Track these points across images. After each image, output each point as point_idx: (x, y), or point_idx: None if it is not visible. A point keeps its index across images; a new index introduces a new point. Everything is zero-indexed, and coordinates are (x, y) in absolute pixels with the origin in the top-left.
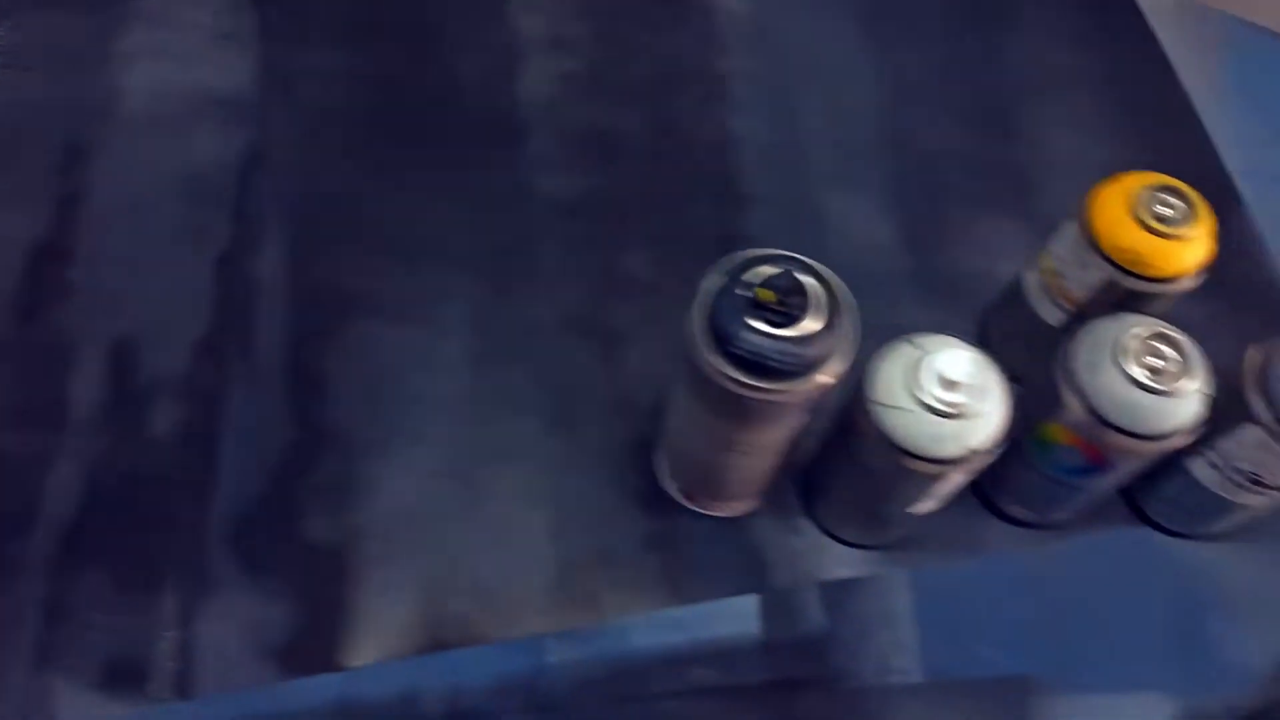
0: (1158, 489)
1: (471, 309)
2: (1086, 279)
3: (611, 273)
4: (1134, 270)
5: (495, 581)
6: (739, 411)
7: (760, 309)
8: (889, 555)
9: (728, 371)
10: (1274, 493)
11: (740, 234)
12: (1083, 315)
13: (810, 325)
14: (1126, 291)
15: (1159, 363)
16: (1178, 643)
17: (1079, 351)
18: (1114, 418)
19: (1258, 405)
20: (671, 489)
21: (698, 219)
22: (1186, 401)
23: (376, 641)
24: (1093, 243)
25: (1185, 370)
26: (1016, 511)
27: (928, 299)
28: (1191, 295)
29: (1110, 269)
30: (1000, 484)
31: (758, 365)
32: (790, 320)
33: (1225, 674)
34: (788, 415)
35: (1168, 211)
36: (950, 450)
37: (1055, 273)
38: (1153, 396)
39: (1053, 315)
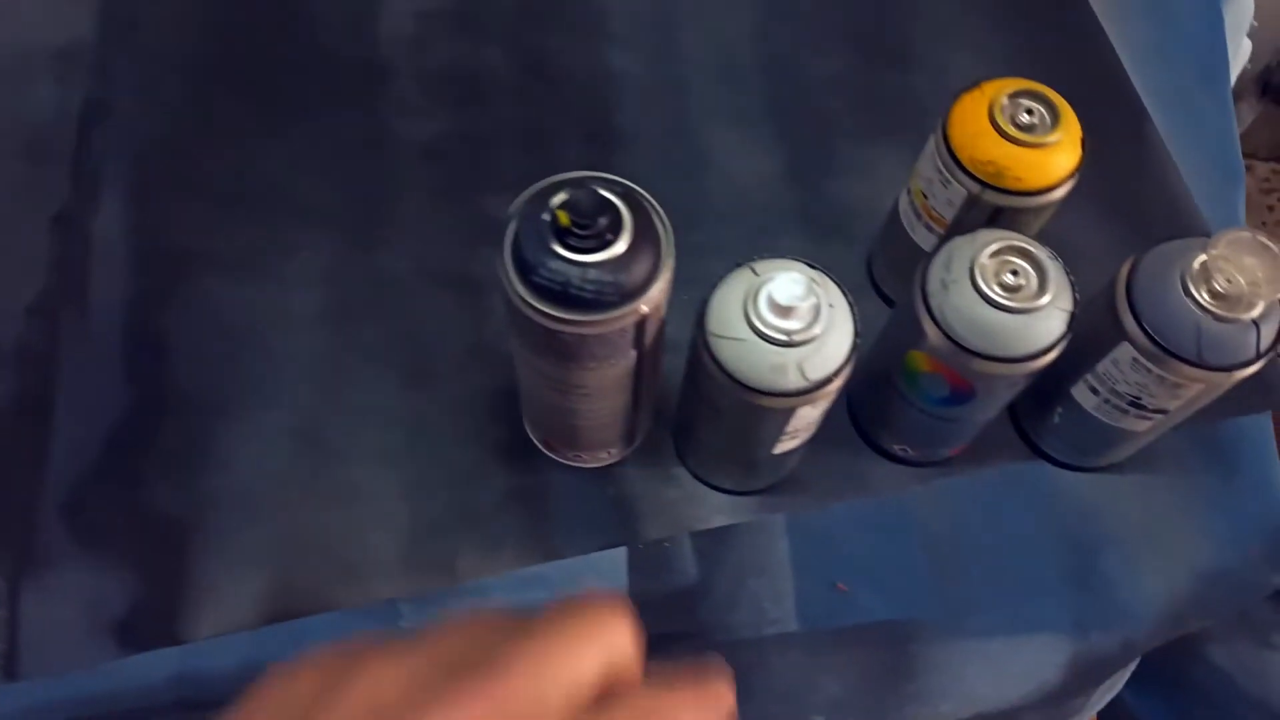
0: (1045, 419)
1: (326, 262)
2: (950, 196)
3: (477, 219)
4: (995, 184)
5: (347, 547)
6: (558, 348)
7: (563, 234)
8: (766, 501)
9: (534, 304)
10: (1157, 416)
11: (617, 173)
12: (953, 236)
13: (619, 249)
14: (993, 208)
15: (1015, 280)
16: (1071, 581)
17: (933, 273)
18: (969, 340)
19: (1127, 320)
20: (535, 439)
21: (571, 160)
22: (1046, 320)
23: (220, 613)
24: (953, 157)
25: (1043, 286)
26: (898, 449)
27: (817, 233)
28: (1095, 214)
29: (971, 184)
30: (879, 421)
31: (563, 295)
32: (596, 245)
33: (1121, 612)
34: (611, 350)
35: (1029, 119)
36: (791, 382)
37: (922, 193)
38: (1009, 316)
39: (926, 240)
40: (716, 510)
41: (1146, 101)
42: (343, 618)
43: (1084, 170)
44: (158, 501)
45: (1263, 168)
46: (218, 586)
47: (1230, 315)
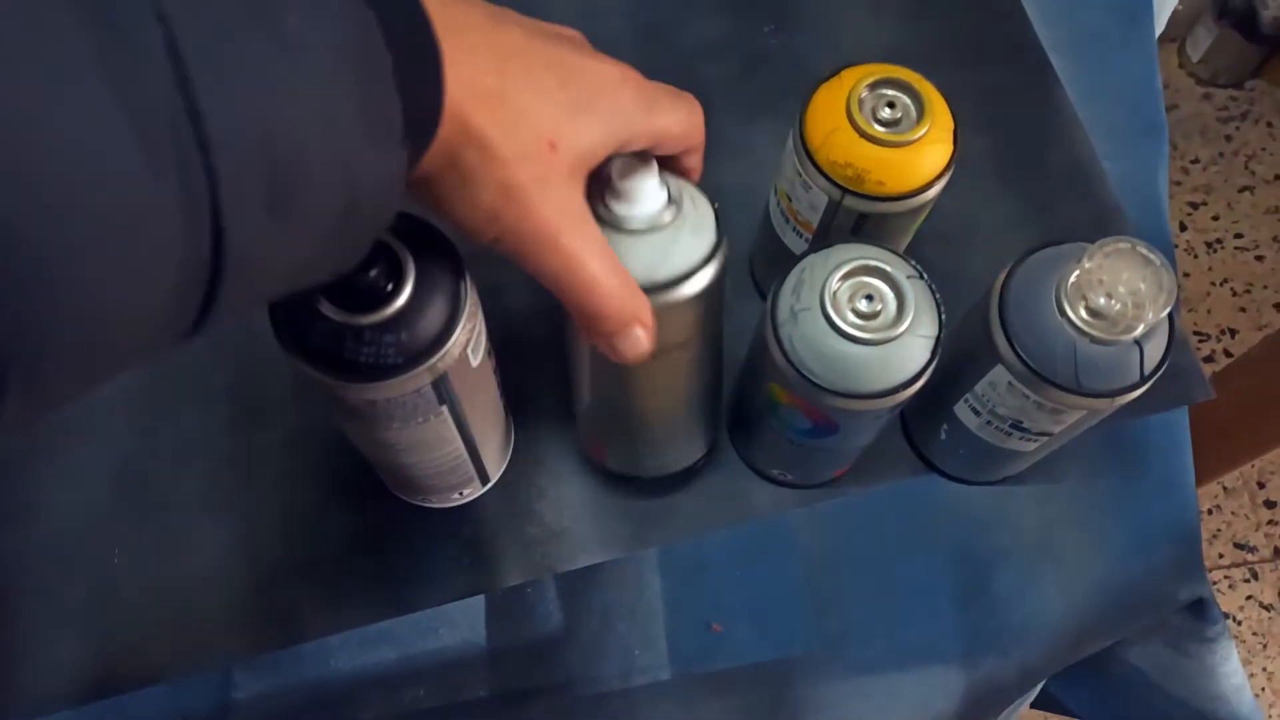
0: (932, 434)
1: None
2: (812, 200)
3: None
4: (855, 189)
5: (172, 606)
6: (349, 411)
7: (329, 288)
8: (636, 534)
9: (306, 368)
10: (1041, 438)
11: None
12: (820, 242)
13: (398, 302)
14: (857, 214)
15: (870, 306)
16: (961, 603)
17: (783, 300)
18: (821, 376)
19: (1000, 342)
20: (383, 479)
21: None
22: (906, 349)
23: (35, 687)
24: (810, 158)
25: (901, 312)
26: (776, 473)
27: None
28: (997, 188)
29: (831, 188)
30: (754, 446)
31: (337, 360)
32: (370, 300)
33: (1015, 635)
34: (413, 411)
35: (891, 113)
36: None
37: (787, 195)
38: (862, 349)
39: (796, 244)
40: (582, 549)
41: (1052, 54)
42: (173, 691)
43: (980, 138)
44: None
45: (1220, 95)
46: (29, 656)
47: (1109, 337)
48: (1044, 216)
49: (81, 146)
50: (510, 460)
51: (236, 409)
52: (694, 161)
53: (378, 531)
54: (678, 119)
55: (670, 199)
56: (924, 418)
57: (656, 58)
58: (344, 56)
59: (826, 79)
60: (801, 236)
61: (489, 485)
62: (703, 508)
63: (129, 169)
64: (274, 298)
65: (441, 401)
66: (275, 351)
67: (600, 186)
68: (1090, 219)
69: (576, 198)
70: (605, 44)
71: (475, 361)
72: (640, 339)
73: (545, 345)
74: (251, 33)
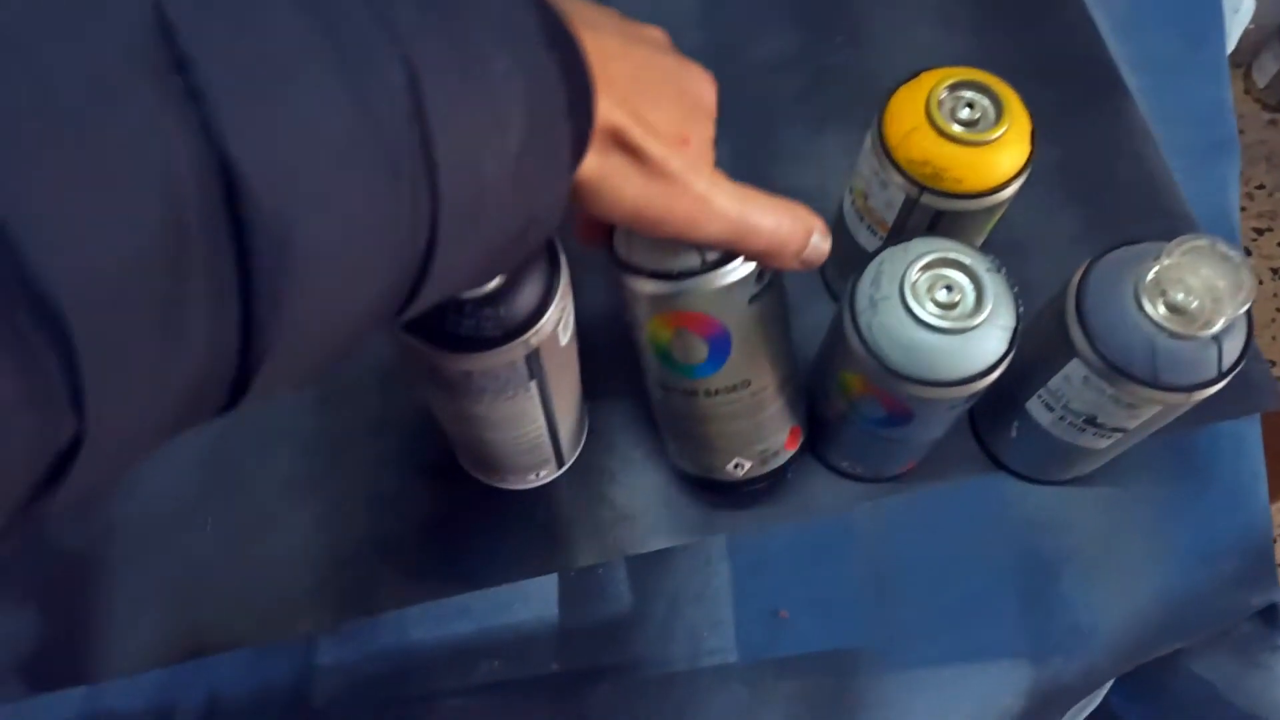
0: (1002, 431)
1: None
2: (889, 199)
3: None
4: (933, 186)
5: (258, 580)
6: (441, 382)
7: None
8: (706, 522)
9: (406, 338)
10: (1116, 435)
11: None
12: (895, 240)
13: (496, 280)
14: (934, 211)
15: (949, 296)
16: (1028, 603)
17: (862, 289)
18: (899, 364)
19: (1077, 336)
20: (462, 462)
21: None
22: (984, 340)
23: (128, 652)
24: (888, 157)
25: (980, 302)
26: (847, 466)
27: None
28: (1064, 200)
29: (909, 186)
30: (824, 437)
31: (438, 332)
32: None
33: (1082, 636)
34: (504, 385)
35: (970, 113)
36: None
37: (863, 194)
38: (941, 337)
39: (870, 242)
40: (652, 533)
41: (1124, 71)
42: (256, 655)
43: (1051, 149)
44: (57, 534)
45: None
46: (124, 623)
47: (1188, 332)
48: (1113, 229)
49: (344, 157)
50: (584, 445)
51: (323, 393)
52: None
53: (455, 511)
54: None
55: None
56: (995, 415)
57: (730, 71)
58: (533, 95)
59: (905, 81)
60: (876, 235)
61: (563, 469)
62: (772, 500)
63: (378, 183)
64: (442, 300)
65: (531, 377)
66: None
67: None
68: (1161, 233)
69: (722, 175)
70: None
71: (564, 340)
72: (819, 245)
73: (619, 340)
74: (471, 75)
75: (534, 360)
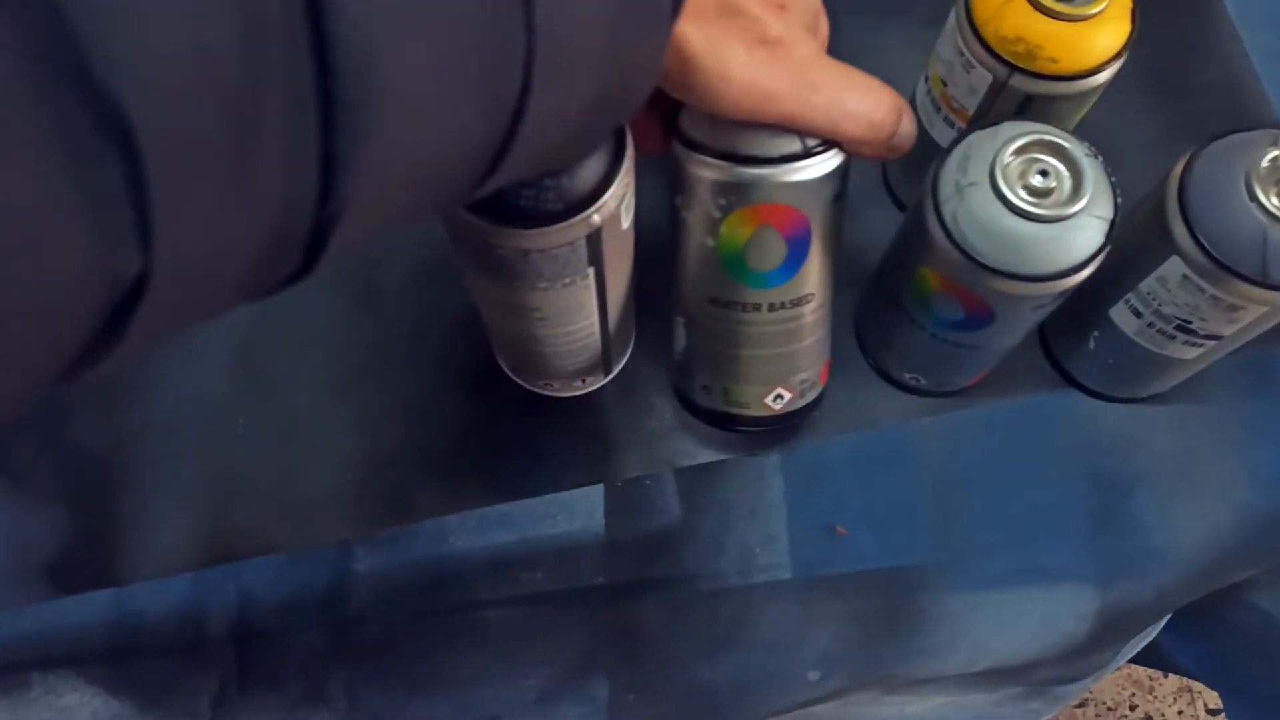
0: (1078, 343)
1: None
2: (973, 82)
3: None
4: (1026, 66)
5: (291, 483)
6: (499, 265)
7: None
8: (758, 435)
9: (464, 214)
10: (1209, 343)
11: None
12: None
13: None
14: (1023, 95)
15: (1044, 182)
16: (1097, 524)
17: (947, 174)
18: (987, 254)
19: (1178, 230)
20: (504, 365)
21: None
22: (1080, 230)
23: (156, 554)
24: (975, 34)
25: (1078, 190)
26: (908, 378)
27: None
28: (1141, 101)
29: (997, 66)
30: (886, 345)
31: (497, 204)
32: None
33: (1153, 558)
34: (562, 269)
35: None
36: None
37: (941, 80)
38: (1035, 225)
39: (946, 135)
40: (702, 445)
41: None
42: (290, 560)
43: (1132, 48)
44: (83, 434)
45: None
46: (152, 525)
47: None
48: (1196, 133)
49: None
50: (630, 355)
51: (355, 294)
52: None
53: (496, 418)
54: None
55: None
56: (1070, 324)
57: None
58: None
59: None
60: (953, 126)
61: (610, 376)
62: (829, 413)
63: (471, 9)
64: (524, 177)
65: (590, 262)
66: (393, 235)
67: None
68: None
69: (817, 45)
70: None
71: (625, 223)
72: (908, 130)
73: (662, 250)
74: None
75: (595, 242)
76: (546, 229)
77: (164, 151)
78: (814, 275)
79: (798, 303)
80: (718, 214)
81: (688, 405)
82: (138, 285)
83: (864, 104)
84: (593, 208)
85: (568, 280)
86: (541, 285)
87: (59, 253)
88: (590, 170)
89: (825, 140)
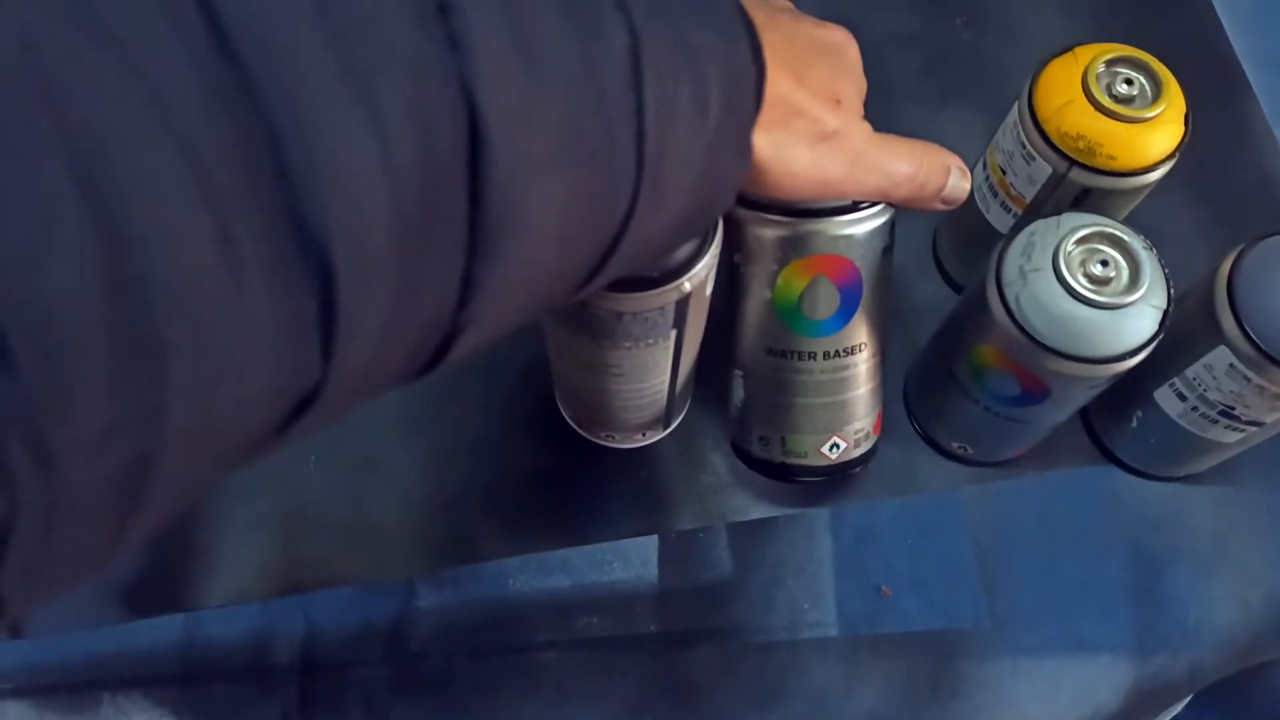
0: (1121, 422)
1: None
2: (1032, 173)
3: None
4: (1085, 162)
5: (360, 520)
6: (591, 325)
7: None
8: (809, 494)
9: None
10: (1250, 429)
11: None
12: (1032, 218)
13: None
14: (1080, 188)
15: (1104, 271)
16: (1134, 598)
17: (1011, 259)
18: (1048, 336)
19: (1226, 322)
20: (567, 416)
21: None
22: (1135, 318)
23: (228, 582)
24: (1038, 129)
25: (1136, 280)
26: (956, 447)
27: None
28: (1180, 197)
29: (1058, 160)
30: (937, 416)
31: None
32: None
33: (1189, 634)
34: (649, 330)
35: (1128, 90)
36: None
37: (1000, 168)
38: (1094, 311)
39: (1001, 220)
40: (755, 501)
41: (1247, 67)
42: (356, 594)
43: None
44: None
45: None
46: (226, 554)
47: None
48: (1231, 226)
49: (571, 119)
50: (688, 410)
51: None
52: None
53: (559, 466)
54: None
55: None
56: (1115, 404)
57: None
58: (729, 74)
59: (1057, 55)
60: (1009, 212)
61: (668, 430)
62: (875, 477)
63: (596, 149)
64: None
65: (674, 325)
66: None
67: None
68: None
69: (869, 128)
70: None
71: (708, 290)
72: (959, 183)
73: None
74: (682, 49)
75: (682, 306)
76: (643, 294)
77: (353, 280)
78: (865, 325)
79: (851, 351)
80: (775, 266)
81: (745, 458)
82: (311, 394)
83: (909, 169)
84: (685, 276)
85: (651, 341)
86: (627, 345)
87: (259, 376)
88: (687, 244)
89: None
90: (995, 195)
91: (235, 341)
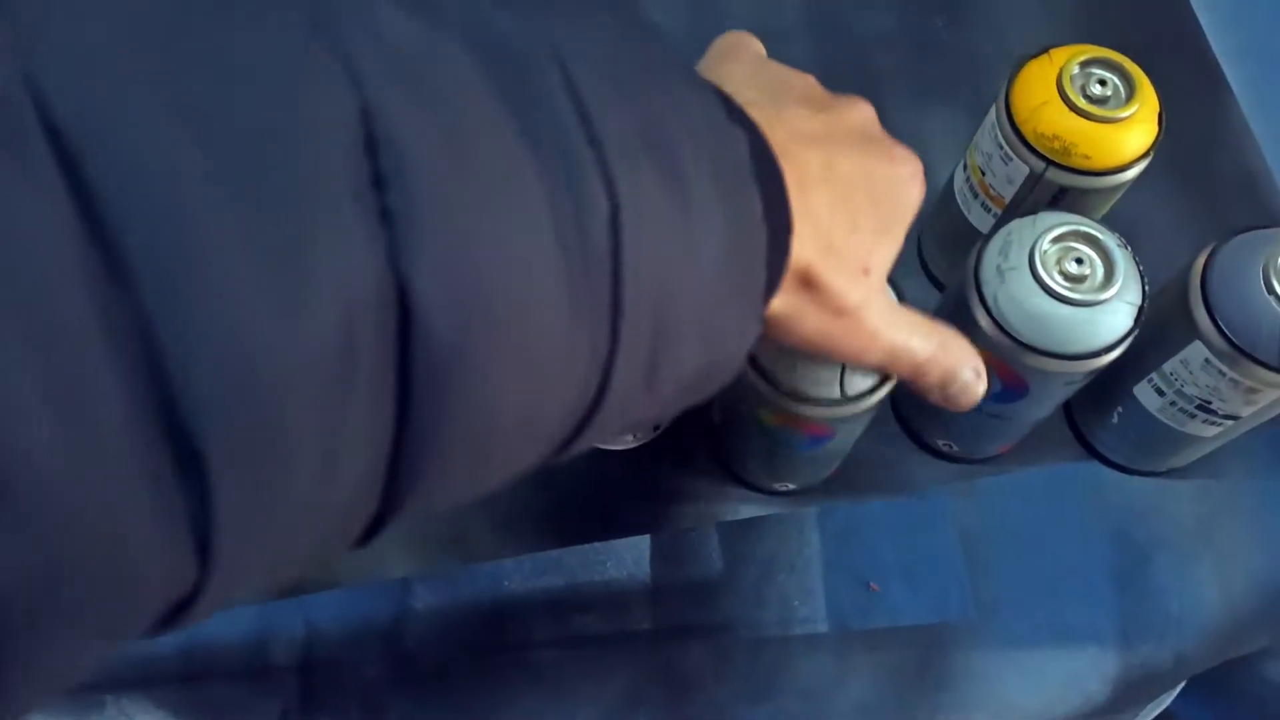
0: (1102, 417)
1: None
2: (1010, 174)
3: None
4: (1061, 161)
5: None
6: None
7: None
8: (798, 494)
9: None
10: (1227, 422)
11: None
12: (1011, 217)
13: None
14: (1057, 187)
15: (1079, 269)
16: (1119, 587)
17: (988, 258)
18: (1025, 333)
19: (1201, 318)
20: None
21: None
22: (1111, 314)
23: None
24: (1015, 130)
25: (1110, 277)
26: (942, 445)
27: None
28: (1159, 193)
29: (1035, 160)
30: (922, 414)
31: None
32: None
33: (1173, 622)
34: None
35: (1101, 90)
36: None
37: (980, 169)
38: (1070, 309)
39: (981, 219)
40: (744, 501)
41: (1224, 63)
42: (354, 595)
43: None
44: None
45: None
46: None
47: None
48: (1212, 220)
49: (528, 298)
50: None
51: None
52: None
53: (551, 468)
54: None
55: None
56: (1096, 400)
57: (829, 47)
58: (733, 232)
59: (1034, 56)
60: (989, 211)
61: (657, 432)
62: (863, 474)
63: (558, 327)
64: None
65: None
66: None
67: None
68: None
69: (887, 300)
70: (779, 34)
71: None
72: (971, 386)
73: None
74: (673, 206)
75: None
76: None
77: (235, 486)
78: (841, 447)
79: (827, 451)
80: (754, 403)
81: (731, 472)
82: (193, 592)
83: (924, 354)
84: None
85: None
86: None
87: (133, 556)
88: None
89: (874, 387)
90: (976, 196)
91: (106, 510)
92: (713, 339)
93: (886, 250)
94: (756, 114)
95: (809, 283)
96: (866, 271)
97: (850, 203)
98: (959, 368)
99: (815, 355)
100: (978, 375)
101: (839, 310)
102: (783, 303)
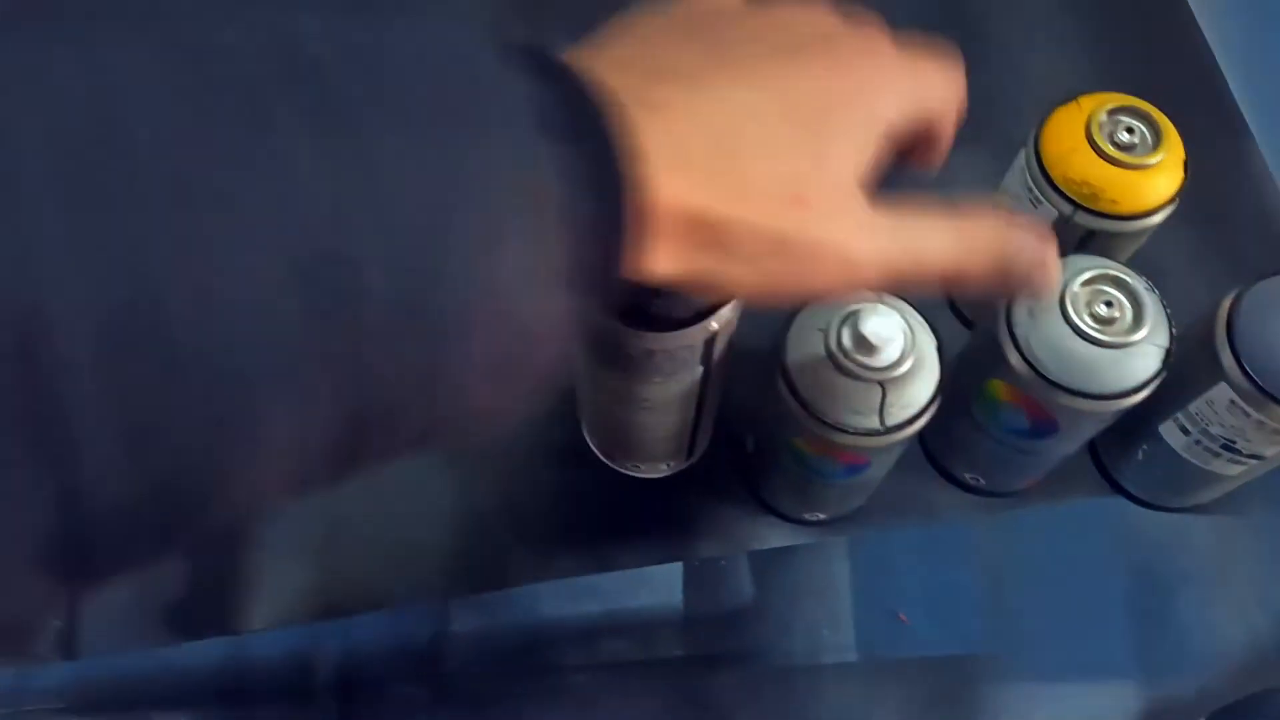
0: (1127, 454)
1: None
2: (1040, 217)
3: None
4: (1089, 206)
5: (396, 543)
6: (623, 363)
7: None
8: (828, 524)
9: (601, 321)
10: (1250, 461)
11: None
12: None
13: None
14: (1085, 231)
15: (1108, 311)
16: (1144, 623)
17: (1020, 300)
18: (1056, 373)
19: (1226, 360)
20: (593, 446)
21: None
22: (1140, 356)
23: (269, 605)
24: (1044, 175)
25: (1139, 320)
26: (969, 478)
27: None
28: (1182, 236)
29: (1063, 204)
30: (951, 447)
31: (635, 311)
32: None
33: (1196, 657)
34: (678, 366)
35: (1129, 138)
36: (870, 423)
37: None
38: (1100, 350)
39: None
40: (774, 530)
41: (1246, 112)
42: (393, 616)
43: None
44: None
45: None
46: (266, 577)
47: None
48: (1233, 263)
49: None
50: (710, 441)
51: None
52: (948, 132)
53: (586, 495)
54: (938, 93)
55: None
56: (1121, 437)
57: None
58: (516, 192)
59: (1063, 103)
60: None
61: (690, 461)
62: (891, 506)
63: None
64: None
65: (701, 362)
66: None
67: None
68: None
69: (860, 215)
70: None
71: (733, 329)
72: (1032, 256)
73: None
74: (432, 165)
75: (710, 344)
76: (673, 334)
77: None
78: (875, 477)
79: (862, 479)
80: (791, 432)
81: (760, 500)
82: None
83: (939, 245)
84: (713, 316)
85: (680, 376)
86: (657, 380)
87: None
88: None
89: (913, 417)
90: None
91: None
92: (504, 323)
93: (830, 168)
94: (608, 58)
95: (712, 230)
96: (799, 199)
97: (767, 123)
98: (1005, 248)
99: (853, 380)
100: (1041, 240)
101: (773, 249)
102: (687, 259)
